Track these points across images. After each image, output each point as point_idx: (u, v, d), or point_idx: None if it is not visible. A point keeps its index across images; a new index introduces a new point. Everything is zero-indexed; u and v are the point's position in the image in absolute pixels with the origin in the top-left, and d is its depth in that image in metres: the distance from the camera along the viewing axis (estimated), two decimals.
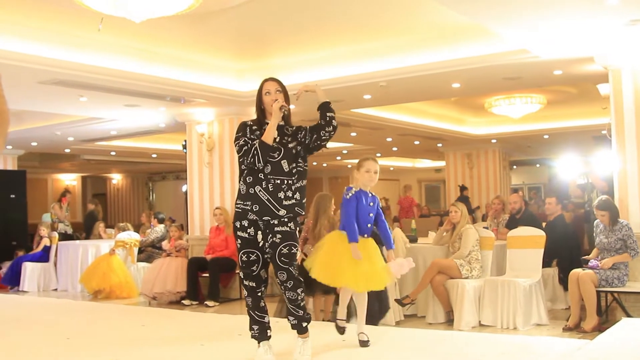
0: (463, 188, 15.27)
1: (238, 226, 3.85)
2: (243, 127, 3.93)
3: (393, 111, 11.83)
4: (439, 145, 16.12)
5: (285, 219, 3.80)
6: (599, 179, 7.97)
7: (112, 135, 12.93)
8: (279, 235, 3.77)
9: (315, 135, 3.89)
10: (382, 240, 4.34)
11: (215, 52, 7.89)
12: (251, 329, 3.91)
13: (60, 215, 12.27)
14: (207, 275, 8.56)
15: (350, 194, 4.18)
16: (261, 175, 3.80)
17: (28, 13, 6.18)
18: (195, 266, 8.59)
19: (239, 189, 3.89)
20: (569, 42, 6.31)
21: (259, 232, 3.82)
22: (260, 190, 3.79)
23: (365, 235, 4.21)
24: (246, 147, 3.80)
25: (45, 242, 10.86)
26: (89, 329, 5.54)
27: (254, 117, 4.03)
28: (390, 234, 4.38)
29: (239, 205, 3.86)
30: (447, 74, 7.52)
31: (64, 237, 11.68)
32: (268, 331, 3.91)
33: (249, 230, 3.83)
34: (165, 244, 9.53)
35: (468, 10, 5.45)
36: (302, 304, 3.83)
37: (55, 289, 10.54)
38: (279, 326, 4.30)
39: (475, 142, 15.33)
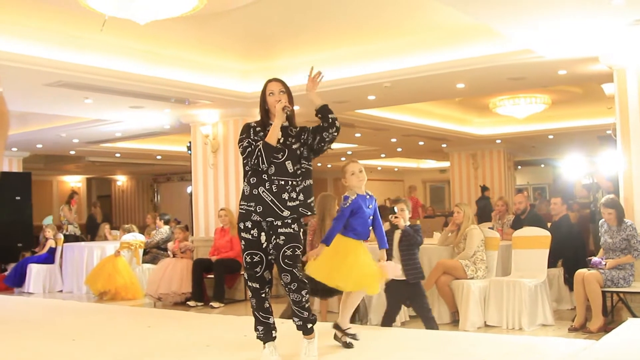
0: (484, 189, 15.08)
1: (242, 227, 3.84)
2: (247, 128, 3.92)
3: (397, 112, 11.82)
4: (444, 145, 16.10)
5: (289, 220, 3.77)
6: (604, 179, 7.94)
7: (116, 137, 12.95)
8: (282, 237, 3.75)
9: (318, 137, 3.86)
10: (376, 239, 4.31)
11: (219, 53, 7.90)
12: (256, 329, 3.91)
13: (69, 217, 12.30)
14: (212, 276, 8.56)
15: (348, 203, 4.13)
16: (265, 177, 3.78)
17: (33, 15, 6.20)
18: (200, 267, 8.60)
19: (243, 190, 3.88)
20: (574, 42, 6.30)
21: (263, 234, 3.81)
22: (263, 191, 3.77)
23: (364, 241, 4.20)
24: (250, 148, 3.79)
25: (51, 243, 10.89)
26: (94, 330, 5.54)
27: (259, 118, 4.03)
28: (384, 235, 4.35)
29: (242, 207, 3.85)
30: (451, 74, 7.52)
31: (74, 239, 11.71)
32: (273, 332, 3.90)
33: (252, 232, 3.81)
34: (170, 245, 9.54)
35: (469, 9, 5.44)
36: (306, 305, 3.81)
37: (61, 291, 10.57)
38: (285, 327, 4.30)
39: (480, 143, 15.31)
